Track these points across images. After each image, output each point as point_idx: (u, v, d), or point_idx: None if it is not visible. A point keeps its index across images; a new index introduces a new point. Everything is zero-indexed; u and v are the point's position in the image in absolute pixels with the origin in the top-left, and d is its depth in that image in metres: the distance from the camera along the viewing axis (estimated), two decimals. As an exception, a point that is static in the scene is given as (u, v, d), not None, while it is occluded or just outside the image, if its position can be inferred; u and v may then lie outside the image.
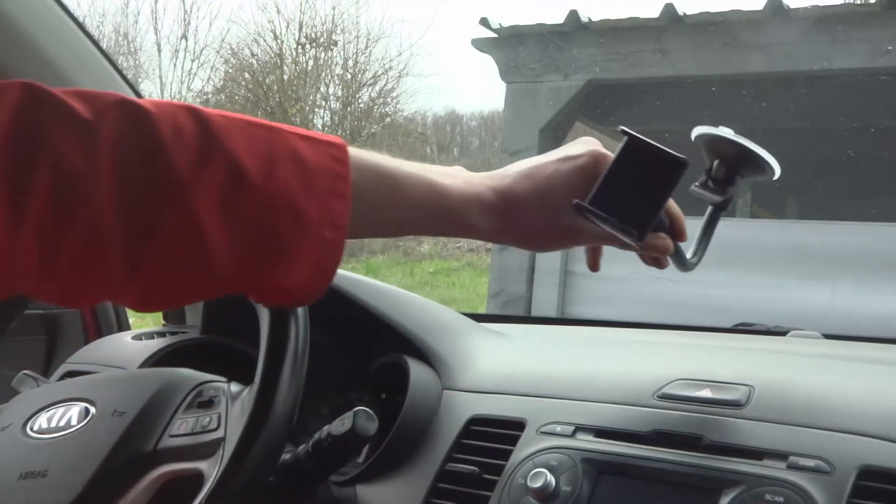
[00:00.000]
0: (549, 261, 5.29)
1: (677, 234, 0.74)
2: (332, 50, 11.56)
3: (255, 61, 11.67)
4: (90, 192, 0.56)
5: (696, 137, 0.77)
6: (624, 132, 0.69)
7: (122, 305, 0.63)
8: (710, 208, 0.79)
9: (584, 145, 0.74)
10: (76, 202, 0.56)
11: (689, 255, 0.79)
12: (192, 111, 0.60)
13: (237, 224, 0.59)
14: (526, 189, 0.71)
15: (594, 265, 0.81)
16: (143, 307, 0.64)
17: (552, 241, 0.74)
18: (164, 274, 0.59)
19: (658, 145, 0.68)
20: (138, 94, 0.98)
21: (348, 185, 0.63)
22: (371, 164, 0.67)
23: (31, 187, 0.55)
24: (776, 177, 0.76)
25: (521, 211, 0.70)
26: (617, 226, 0.68)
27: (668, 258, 0.77)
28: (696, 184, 0.78)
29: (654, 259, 0.77)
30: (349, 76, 11.63)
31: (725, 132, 0.75)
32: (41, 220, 0.55)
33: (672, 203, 0.73)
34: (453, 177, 0.70)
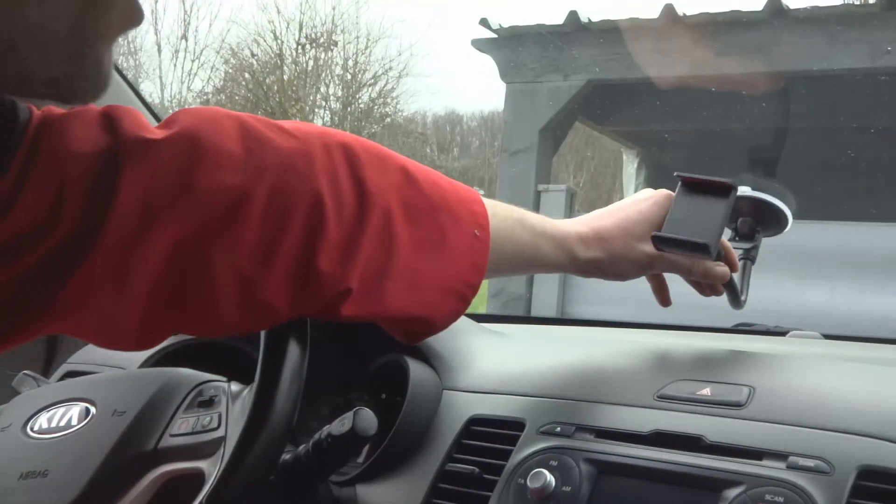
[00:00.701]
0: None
1: (730, 265, 0.88)
2: (332, 50, 11.56)
3: (255, 61, 11.68)
4: (308, 188, 0.62)
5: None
6: (678, 176, 0.84)
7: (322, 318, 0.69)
8: (742, 261, 0.92)
9: (651, 191, 0.87)
10: (298, 195, 0.62)
11: (734, 305, 0.92)
12: (365, 140, 0.69)
13: (414, 222, 0.68)
14: (613, 224, 0.83)
15: (663, 299, 0.91)
16: (355, 313, 0.69)
17: (635, 268, 0.85)
18: (368, 275, 0.66)
19: (708, 177, 0.83)
20: (141, 98, 0.99)
21: (482, 203, 0.74)
22: (491, 201, 0.78)
23: (261, 174, 0.60)
24: (788, 227, 0.90)
25: (611, 243, 0.83)
26: (690, 245, 0.81)
27: (724, 290, 0.89)
28: (727, 239, 0.89)
29: (711, 287, 0.89)
30: (349, 76, 11.63)
31: (744, 190, 0.88)
32: (266, 211, 0.60)
33: (725, 241, 0.85)
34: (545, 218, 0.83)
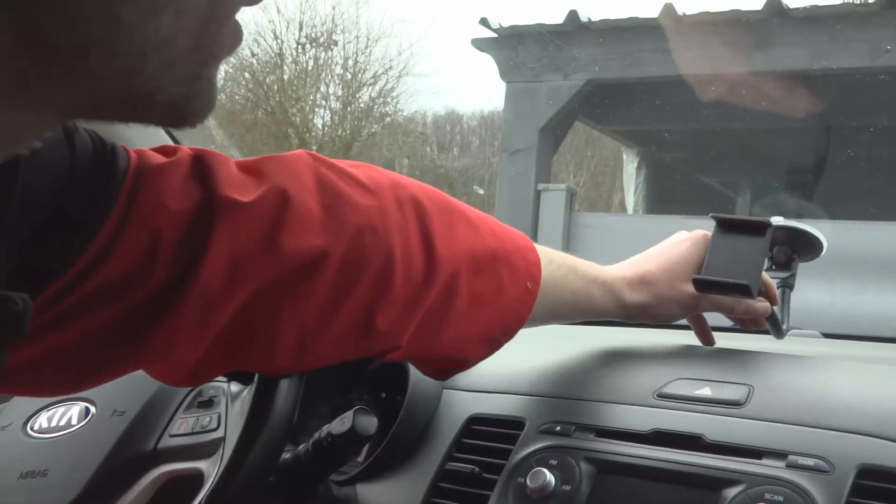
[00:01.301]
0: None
1: (771, 299, 0.90)
2: (332, 50, 11.55)
3: (255, 61, 11.66)
4: (382, 246, 0.64)
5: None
6: (713, 217, 0.86)
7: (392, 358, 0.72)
8: (780, 289, 0.94)
9: (685, 232, 0.89)
10: (372, 254, 0.63)
11: (776, 335, 0.94)
12: (429, 186, 0.71)
13: (477, 277, 0.70)
14: (656, 268, 0.86)
15: (706, 339, 0.94)
16: (406, 357, 0.73)
17: (681, 309, 0.88)
18: (424, 326, 0.68)
19: (742, 217, 0.85)
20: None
21: (536, 252, 0.76)
22: (545, 249, 0.79)
23: (340, 233, 0.62)
24: (824, 251, 0.92)
25: (656, 286, 0.85)
26: (731, 287, 0.83)
27: (767, 323, 0.91)
28: (764, 269, 0.90)
29: (754, 322, 0.91)
30: (349, 76, 11.62)
31: (777, 220, 0.89)
32: (340, 269, 0.62)
33: (764, 274, 0.87)
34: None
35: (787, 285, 0.93)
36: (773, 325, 0.92)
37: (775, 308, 0.91)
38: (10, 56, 0.30)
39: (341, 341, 0.65)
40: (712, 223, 0.87)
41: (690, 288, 0.85)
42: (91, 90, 0.33)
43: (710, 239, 0.85)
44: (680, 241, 0.88)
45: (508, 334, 0.76)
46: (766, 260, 0.92)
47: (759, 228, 0.83)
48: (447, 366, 0.76)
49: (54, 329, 0.53)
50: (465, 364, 0.76)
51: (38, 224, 0.50)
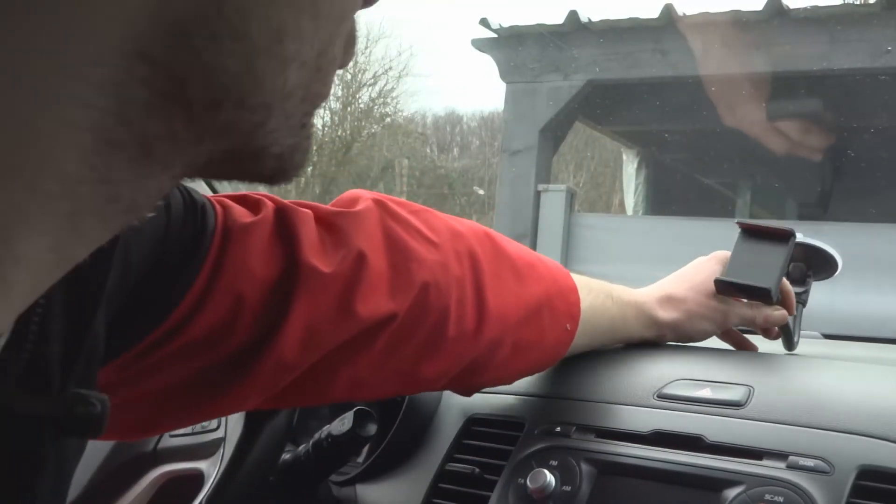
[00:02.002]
0: (548, 261, 5.27)
1: (788, 307, 0.91)
2: (331, 50, 11.53)
3: (254, 61, 11.63)
4: (442, 299, 0.65)
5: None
6: (738, 223, 0.88)
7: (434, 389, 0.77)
8: (797, 306, 0.94)
9: (705, 257, 0.92)
10: (434, 307, 0.65)
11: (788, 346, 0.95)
12: (483, 229, 0.72)
13: (522, 327, 0.72)
14: (684, 287, 0.89)
15: (747, 348, 0.95)
16: (440, 388, 0.76)
17: (712, 325, 0.90)
18: (474, 364, 0.71)
19: (766, 224, 0.87)
20: None
21: (573, 281, 0.78)
22: (582, 279, 0.81)
23: (408, 292, 0.63)
24: (838, 272, 0.93)
25: (686, 303, 0.88)
26: (751, 290, 0.85)
27: (779, 333, 0.93)
28: None
29: (767, 331, 0.93)
30: (349, 76, 11.62)
31: (797, 235, 0.90)
32: (403, 321, 0.63)
33: (784, 281, 0.89)
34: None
35: (800, 301, 0.94)
36: (786, 336, 0.93)
37: (789, 319, 0.92)
38: (140, 114, 0.27)
39: (385, 386, 0.67)
40: (718, 225, 0.89)
41: (717, 301, 0.88)
42: (212, 147, 0.31)
43: (734, 245, 0.87)
44: (703, 261, 0.91)
45: (541, 370, 0.81)
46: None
47: (783, 236, 0.85)
48: (478, 390, 0.80)
49: (131, 385, 0.53)
50: (494, 386, 0.80)
51: (133, 289, 0.49)
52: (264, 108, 0.31)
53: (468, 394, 0.80)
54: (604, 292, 0.82)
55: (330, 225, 0.62)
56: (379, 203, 0.65)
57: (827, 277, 0.94)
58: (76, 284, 0.41)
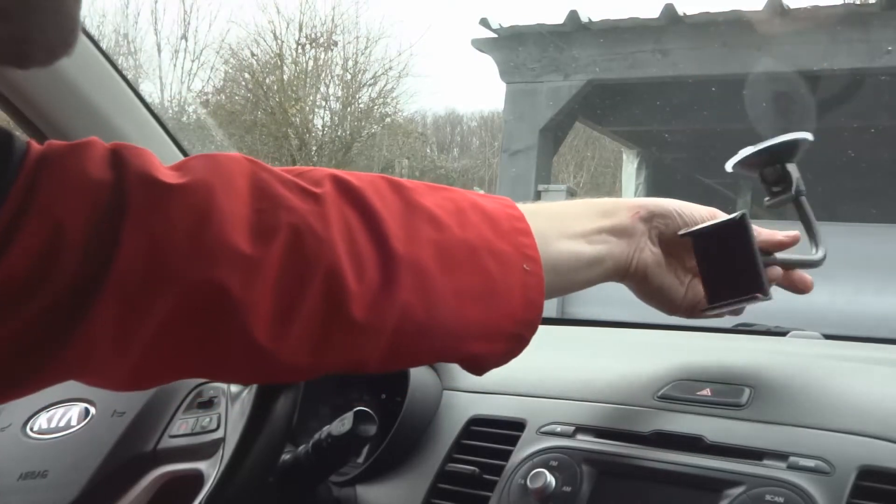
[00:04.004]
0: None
1: (780, 245, 0.80)
2: (332, 50, 11.55)
3: (255, 61, 11.66)
4: (325, 250, 0.58)
5: (733, 167, 0.84)
6: (683, 235, 0.77)
7: (355, 370, 0.65)
8: (794, 204, 0.84)
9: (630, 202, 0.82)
10: (314, 258, 0.58)
11: (813, 252, 0.84)
12: (388, 180, 0.66)
13: (455, 272, 0.64)
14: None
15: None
16: (384, 367, 0.66)
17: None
18: (403, 333, 0.63)
19: (714, 223, 0.77)
20: (141, 99, 0.99)
21: (527, 224, 0.69)
22: (528, 207, 0.73)
23: (272, 243, 0.57)
24: (811, 138, 0.82)
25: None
26: (744, 301, 0.76)
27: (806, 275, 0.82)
28: (766, 200, 0.85)
29: (790, 282, 0.81)
30: (349, 76, 11.63)
31: (745, 151, 0.82)
32: (280, 275, 0.57)
33: (757, 229, 0.78)
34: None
35: (798, 194, 0.83)
36: (805, 265, 0.82)
37: (800, 226, 0.83)
38: None
39: (301, 353, 0.60)
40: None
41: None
42: None
43: (695, 257, 0.78)
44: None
45: (529, 324, 0.69)
46: (764, 191, 0.85)
47: (737, 225, 0.76)
48: (465, 367, 0.71)
49: None
50: (483, 366, 0.70)
51: None
52: None
53: (478, 372, 0.71)
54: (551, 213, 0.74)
55: (180, 164, 0.57)
56: (251, 159, 0.60)
57: (805, 148, 0.83)
58: None
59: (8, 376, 0.53)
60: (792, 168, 0.83)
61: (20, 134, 0.53)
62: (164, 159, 0.58)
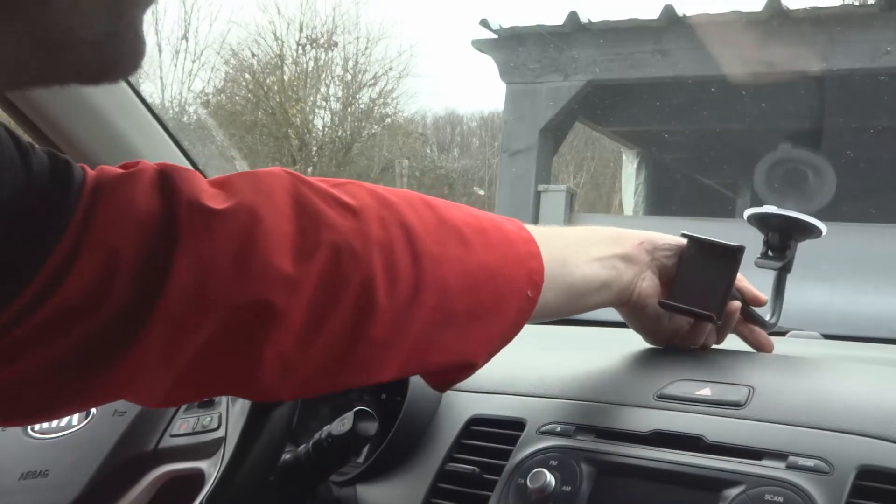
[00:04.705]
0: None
1: (752, 301, 0.87)
2: (332, 50, 11.55)
3: (255, 62, 11.66)
4: (361, 266, 0.60)
5: (748, 218, 0.91)
6: (684, 235, 0.84)
7: (375, 381, 0.68)
8: (776, 273, 0.92)
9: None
10: (351, 274, 0.60)
11: (767, 317, 0.91)
12: (420, 196, 0.68)
13: (472, 293, 0.67)
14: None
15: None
16: (393, 379, 0.68)
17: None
18: (425, 337, 0.65)
19: (715, 240, 0.82)
20: (141, 99, 0.99)
21: (537, 248, 0.72)
22: (541, 230, 0.75)
23: (313, 261, 0.58)
24: (823, 234, 0.89)
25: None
26: (695, 313, 0.83)
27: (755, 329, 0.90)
28: (758, 257, 0.90)
29: (755, 340, 0.90)
30: (349, 77, 11.62)
31: (770, 209, 0.89)
32: (316, 289, 0.58)
33: (740, 277, 0.85)
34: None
35: (785, 269, 0.90)
36: (752, 320, 0.90)
37: (767, 297, 0.90)
38: None
39: (325, 365, 0.62)
40: (718, 225, 0.88)
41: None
42: (13, 33, 0.30)
43: (681, 259, 0.84)
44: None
45: (505, 341, 0.73)
46: (763, 246, 0.91)
47: (732, 253, 0.82)
48: (448, 376, 0.73)
49: (5, 361, 0.50)
50: (457, 377, 0.73)
51: None
52: None
53: (441, 388, 0.74)
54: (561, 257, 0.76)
55: (223, 182, 0.58)
56: (291, 173, 0.62)
57: (813, 237, 0.91)
58: None
59: (58, 396, 0.54)
60: (794, 246, 0.90)
61: (62, 154, 0.54)
62: (168, 160, 0.58)
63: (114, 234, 0.51)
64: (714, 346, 0.92)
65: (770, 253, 0.91)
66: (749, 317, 0.89)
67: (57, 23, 0.31)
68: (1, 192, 0.47)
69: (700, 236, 0.83)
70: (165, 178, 0.55)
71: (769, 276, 0.93)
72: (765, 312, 0.91)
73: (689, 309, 0.83)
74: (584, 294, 0.78)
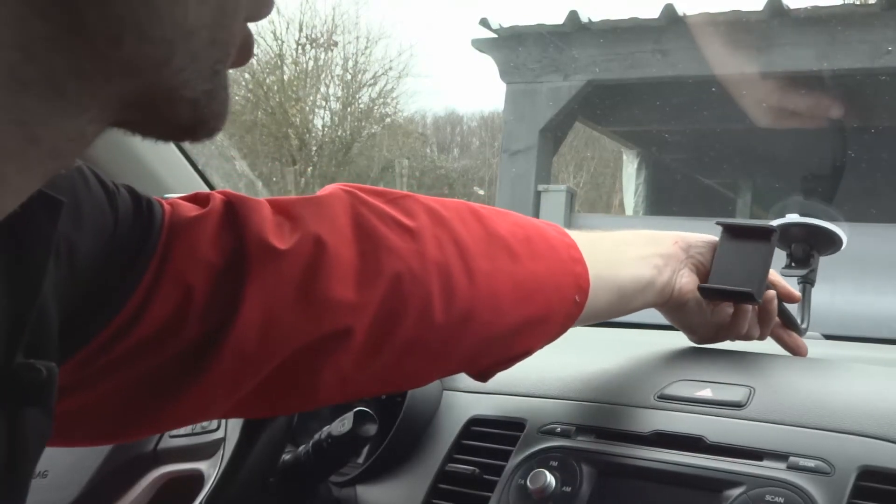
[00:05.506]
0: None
1: (786, 297, 0.89)
2: (332, 50, 11.55)
3: (255, 61, 11.65)
4: (420, 289, 0.62)
5: (778, 225, 0.90)
6: (718, 223, 0.86)
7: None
8: (801, 286, 0.94)
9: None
10: (410, 297, 0.62)
11: (801, 324, 0.93)
12: (469, 208, 0.70)
13: (522, 304, 0.68)
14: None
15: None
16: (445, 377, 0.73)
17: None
18: (475, 348, 0.68)
19: (749, 223, 0.85)
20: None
21: (580, 252, 0.74)
22: (580, 235, 0.77)
23: (376, 283, 0.60)
24: (844, 245, 0.91)
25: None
26: (735, 294, 0.83)
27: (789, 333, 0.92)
28: (783, 267, 0.93)
29: (766, 320, 0.89)
30: (349, 76, 11.62)
31: (792, 217, 0.91)
32: (377, 313, 0.60)
33: (773, 273, 0.86)
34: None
35: (807, 281, 0.92)
36: (788, 322, 0.92)
37: (796, 305, 0.91)
38: (46, 48, 0.29)
39: (384, 380, 0.65)
40: (710, 227, 0.88)
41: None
42: (121, 86, 0.32)
43: (717, 246, 0.85)
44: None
45: (549, 342, 0.76)
46: (786, 257, 0.94)
47: (766, 233, 0.84)
48: (490, 372, 0.75)
49: (88, 387, 0.52)
50: (505, 367, 0.75)
51: (83, 286, 0.49)
52: (166, 43, 0.32)
53: (483, 378, 0.75)
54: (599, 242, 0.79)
55: (287, 212, 0.60)
56: (349, 192, 0.63)
57: (834, 252, 0.93)
58: (16, 265, 0.41)
59: (131, 422, 0.57)
60: (817, 257, 0.92)
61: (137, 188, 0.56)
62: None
63: (188, 271, 0.54)
64: (714, 347, 0.92)
65: (793, 264, 0.93)
66: (786, 319, 0.91)
67: (168, 81, 0.33)
68: (95, 241, 0.50)
69: (733, 221, 0.86)
70: (234, 212, 0.57)
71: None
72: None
73: (728, 289, 0.83)
74: (633, 294, 0.80)
